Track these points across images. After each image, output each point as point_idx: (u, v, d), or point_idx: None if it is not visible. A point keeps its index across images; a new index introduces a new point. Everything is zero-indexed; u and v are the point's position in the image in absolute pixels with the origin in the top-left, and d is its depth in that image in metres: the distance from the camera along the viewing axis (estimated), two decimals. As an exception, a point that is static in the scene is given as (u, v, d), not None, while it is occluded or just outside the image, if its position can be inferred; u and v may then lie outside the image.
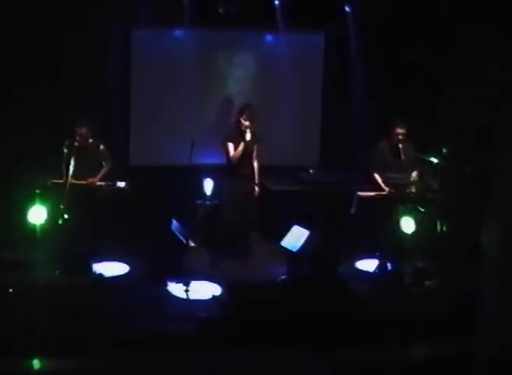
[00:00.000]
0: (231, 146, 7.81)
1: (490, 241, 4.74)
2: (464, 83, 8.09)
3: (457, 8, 7.88)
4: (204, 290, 7.10)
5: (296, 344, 5.76)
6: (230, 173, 7.89)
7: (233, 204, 7.79)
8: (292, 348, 5.74)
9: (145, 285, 7.10)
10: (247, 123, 7.68)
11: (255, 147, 7.84)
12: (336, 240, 7.81)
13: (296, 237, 7.42)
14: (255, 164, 7.92)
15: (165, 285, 7.03)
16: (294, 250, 7.27)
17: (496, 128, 6.60)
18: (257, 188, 7.90)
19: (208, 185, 8.58)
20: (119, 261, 7.66)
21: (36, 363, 5.45)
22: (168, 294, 6.98)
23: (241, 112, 7.81)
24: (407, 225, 7.14)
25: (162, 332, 6.00)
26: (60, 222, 7.10)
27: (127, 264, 7.64)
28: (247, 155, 7.83)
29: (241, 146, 7.72)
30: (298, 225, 7.57)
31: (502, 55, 7.11)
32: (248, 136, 7.68)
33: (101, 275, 7.15)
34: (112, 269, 7.48)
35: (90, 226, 7.46)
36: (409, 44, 8.67)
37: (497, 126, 6.46)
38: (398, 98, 8.65)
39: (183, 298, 6.91)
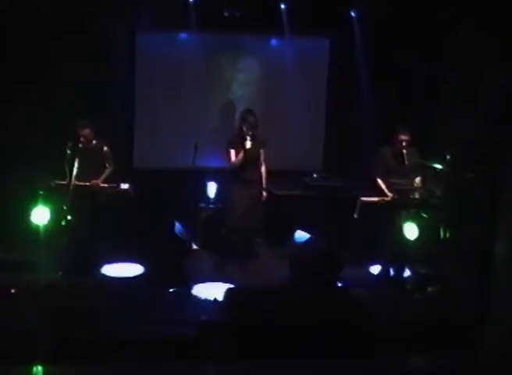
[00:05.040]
0: (233, 153, 7.79)
1: (500, 248, 4.75)
2: (466, 88, 8.11)
3: (460, 16, 7.91)
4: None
5: (296, 351, 5.75)
6: (234, 177, 7.87)
7: (236, 207, 7.78)
8: (293, 354, 5.73)
9: (147, 288, 7.11)
10: (248, 130, 7.64)
11: (261, 151, 7.81)
12: (338, 245, 7.80)
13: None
14: (262, 169, 7.87)
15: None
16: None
17: (498, 134, 6.64)
18: (264, 193, 7.84)
19: (212, 188, 8.59)
20: (133, 262, 7.67)
21: (36, 370, 5.44)
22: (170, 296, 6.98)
23: (242, 118, 7.79)
24: (410, 231, 7.13)
25: (163, 336, 5.97)
26: (63, 223, 7.10)
27: (142, 265, 7.64)
28: (250, 160, 7.79)
29: (241, 153, 7.69)
30: (301, 230, 7.57)
31: (502, 60, 7.14)
32: (248, 144, 7.63)
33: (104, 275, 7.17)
34: (125, 270, 7.50)
35: (93, 227, 7.45)
36: (413, 49, 8.69)
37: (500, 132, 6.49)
38: (402, 102, 8.67)
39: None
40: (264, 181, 7.85)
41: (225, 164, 8.06)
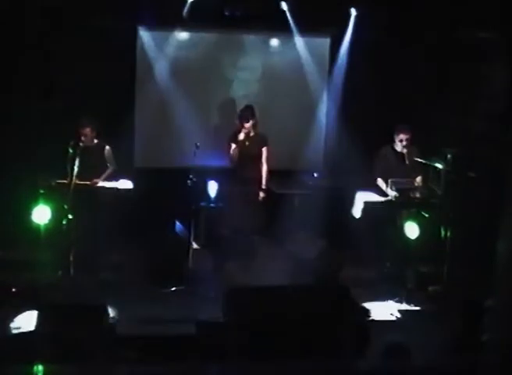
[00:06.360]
0: (233, 147, 7.81)
1: (501, 248, 4.72)
2: (467, 87, 8.10)
3: (460, 16, 7.91)
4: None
5: (296, 351, 5.75)
6: (233, 175, 7.87)
7: (236, 206, 7.77)
8: (293, 354, 5.72)
9: (147, 287, 7.13)
10: (247, 124, 7.64)
11: (264, 149, 7.79)
12: (338, 244, 7.80)
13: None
14: (264, 167, 7.84)
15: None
16: None
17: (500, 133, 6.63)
18: (261, 193, 7.82)
19: (212, 187, 8.59)
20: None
21: (36, 370, 5.44)
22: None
23: (241, 114, 7.80)
24: (411, 230, 7.12)
25: (163, 335, 5.97)
26: (64, 222, 7.10)
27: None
28: (249, 157, 7.77)
29: (236, 146, 7.67)
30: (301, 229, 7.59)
31: (503, 59, 7.13)
32: (242, 136, 7.63)
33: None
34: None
35: (93, 226, 7.45)
36: (413, 48, 8.68)
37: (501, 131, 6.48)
38: (402, 102, 8.67)
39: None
40: (264, 181, 7.82)
41: (225, 163, 8.06)
